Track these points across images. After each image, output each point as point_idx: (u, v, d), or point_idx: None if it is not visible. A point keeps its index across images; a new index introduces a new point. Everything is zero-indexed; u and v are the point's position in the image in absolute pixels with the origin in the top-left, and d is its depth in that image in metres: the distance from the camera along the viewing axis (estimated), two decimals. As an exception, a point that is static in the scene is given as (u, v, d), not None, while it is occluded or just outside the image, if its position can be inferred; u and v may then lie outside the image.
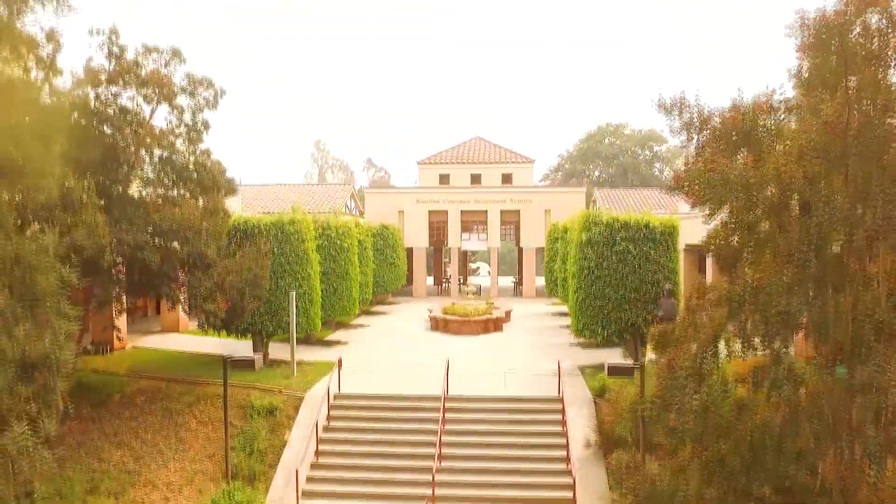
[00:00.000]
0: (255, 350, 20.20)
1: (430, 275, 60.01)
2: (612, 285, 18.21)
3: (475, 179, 45.74)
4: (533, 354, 22.18)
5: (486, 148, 48.00)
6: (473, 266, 73.75)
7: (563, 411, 16.25)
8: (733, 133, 7.20)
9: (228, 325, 17.64)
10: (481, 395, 17.28)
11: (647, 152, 74.92)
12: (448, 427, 15.99)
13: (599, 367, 19.70)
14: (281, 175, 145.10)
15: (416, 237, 40.50)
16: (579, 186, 43.43)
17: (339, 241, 23.19)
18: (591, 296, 18.53)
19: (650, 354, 18.11)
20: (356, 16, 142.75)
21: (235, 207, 39.47)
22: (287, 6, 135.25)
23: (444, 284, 45.05)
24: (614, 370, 12.31)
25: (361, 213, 47.94)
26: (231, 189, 16.74)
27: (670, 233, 18.50)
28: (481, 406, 16.88)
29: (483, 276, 76.56)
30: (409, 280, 42.73)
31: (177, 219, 13.27)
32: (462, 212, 40.55)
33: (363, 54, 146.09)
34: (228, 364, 12.77)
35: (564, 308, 31.17)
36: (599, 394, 16.90)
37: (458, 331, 26.08)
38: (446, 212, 40.50)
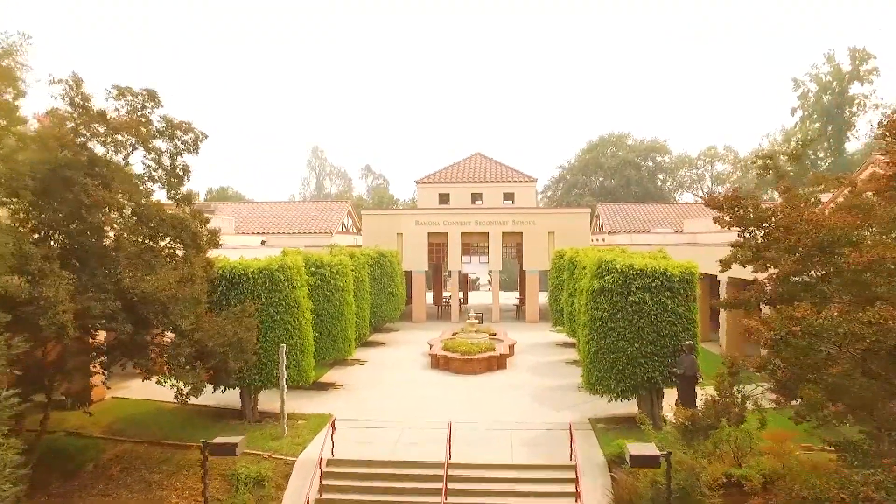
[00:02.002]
0: (242, 403, 18.87)
1: (429, 289, 58.68)
2: (627, 338, 16.87)
3: (476, 198, 44.47)
4: (540, 401, 20.86)
5: (486, 165, 46.70)
6: (473, 277, 72.49)
7: (577, 482, 14.90)
8: (806, 246, 6.02)
9: (213, 383, 16.30)
10: (487, 461, 15.91)
11: (649, 163, 73.65)
12: (451, 500, 14.64)
13: (612, 422, 18.41)
14: (278, 182, 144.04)
15: (416, 260, 39.17)
16: (584, 208, 42.13)
17: (333, 281, 21.84)
18: (605, 349, 17.19)
19: (666, 411, 16.88)
20: (356, 21, 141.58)
21: (228, 229, 38.25)
22: (287, 11, 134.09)
23: (443, 305, 43.69)
24: (638, 459, 10.95)
25: (359, 230, 46.65)
26: (214, 242, 15.38)
27: (689, 280, 17.17)
28: (487, 475, 15.51)
29: (483, 284, 75.26)
30: (409, 300, 41.41)
31: (149, 289, 11.91)
32: (462, 233, 39.24)
33: (362, 60, 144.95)
34: (207, 449, 11.38)
35: (567, 337, 29.91)
36: (615, 460, 15.54)
37: (460, 370, 24.73)
38: (446, 233, 39.18)
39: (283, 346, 17.27)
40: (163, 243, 15.15)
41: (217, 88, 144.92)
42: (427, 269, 40.23)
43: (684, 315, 16.99)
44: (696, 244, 39.20)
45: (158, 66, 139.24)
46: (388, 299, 31.56)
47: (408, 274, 39.39)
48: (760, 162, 13.24)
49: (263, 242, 34.06)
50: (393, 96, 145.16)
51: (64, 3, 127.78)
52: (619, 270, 17.09)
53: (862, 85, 62.66)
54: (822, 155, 65.90)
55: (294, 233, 42.39)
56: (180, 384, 13.91)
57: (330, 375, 24.72)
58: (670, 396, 18.02)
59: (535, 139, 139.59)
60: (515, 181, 44.39)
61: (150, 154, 15.41)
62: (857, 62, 62.22)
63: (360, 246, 38.89)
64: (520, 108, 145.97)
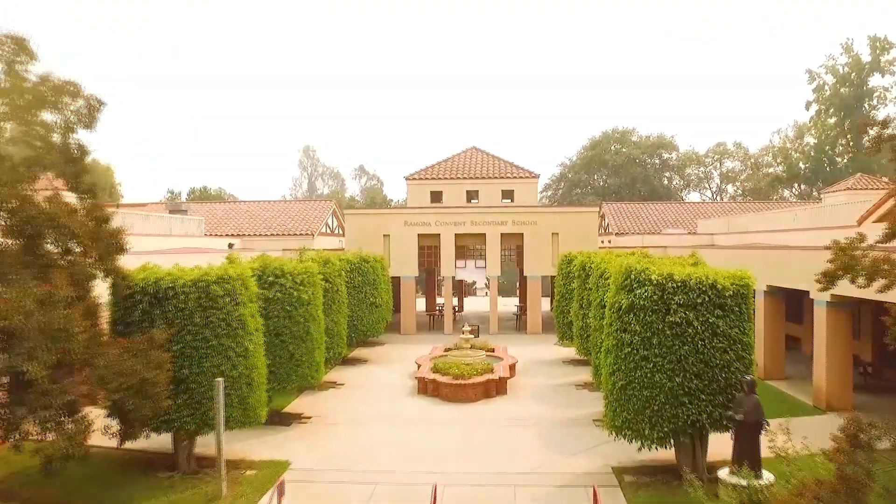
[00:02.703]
0: (175, 448, 14.94)
1: (421, 293, 54.70)
2: (666, 370, 12.98)
3: (471, 196, 40.59)
4: (549, 440, 16.97)
5: (483, 160, 42.81)
6: (469, 281, 68.55)
7: (603, 568, 11.04)
8: None
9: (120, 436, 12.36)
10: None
11: (655, 161, 69.80)
12: None
13: (643, 472, 14.53)
14: (273, 183, 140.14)
15: (404, 265, 35.26)
16: (591, 206, 38.26)
17: (296, 293, 17.91)
18: (636, 383, 13.30)
19: (723, 474, 13.02)
20: (350, 18, 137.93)
21: (197, 231, 34.30)
22: (280, 9, 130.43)
23: (436, 315, 39.71)
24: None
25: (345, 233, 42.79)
26: (118, 248, 11.50)
27: (743, 294, 13.31)
28: (484, 558, 11.65)
29: (481, 288, 71.23)
30: (397, 308, 37.52)
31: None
32: (457, 235, 35.33)
33: (356, 59, 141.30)
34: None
35: (574, 352, 26.16)
36: (654, 536, 11.68)
37: (452, 397, 20.81)
38: (438, 235, 35.25)
39: (221, 380, 13.35)
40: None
41: (209, 88, 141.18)
42: (417, 274, 36.34)
43: (739, 339, 13.13)
44: (714, 246, 35.47)
45: (154, 67, 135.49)
46: (370, 311, 27.60)
47: (396, 280, 35.48)
48: (874, 131, 9.44)
49: (231, 245, 30.11)
50: (388, 96, 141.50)
51: (64, 3, 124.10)
52: (654, 282, 13.19)
53: (883, 76, 58.93)
54: (838, 150, 62.12)
55: (272, 235, 38.49)
56: (59, 443, 9.93)
57: (297, 404, 20.80)
58: (715, 440, 14.14)
59: (535, 136, 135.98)
60: (515, 177, 40.52)
61: (31, 128, 11.54)
62: (877, 52, 58.45)
63: (343, 249, 35.01)
64: (518, 104, 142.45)
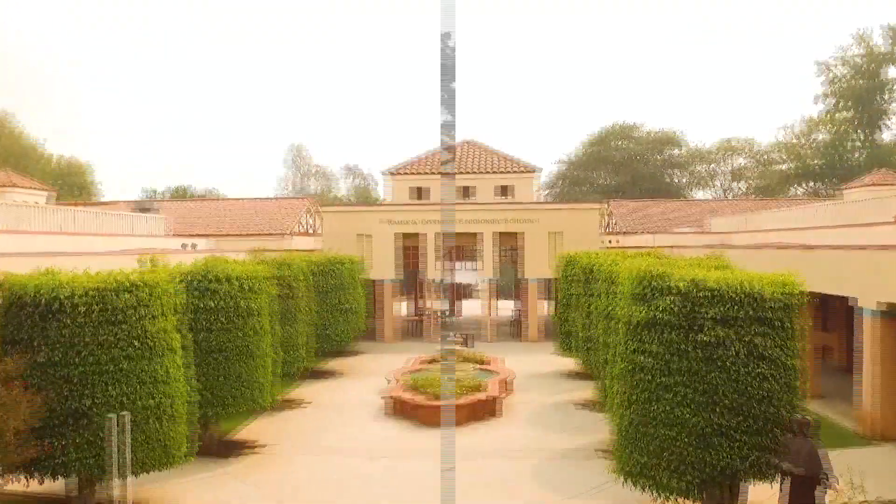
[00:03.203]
0: (79, 491, 12.02)
1: (406, 295, 51.51)
2: (692, 403, 10.04)
3: (464, 193, 37.55)
4: (546, 478, 14.01)
5: (477, 153, 39.84)
6: (466, 282, 65.46)
7: None
8: None
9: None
10: None
11: (660, 157, 66.79)
12: None
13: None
14: (262, 184, 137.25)
15: (384, 268, 32.23)
16: (595, 203, 35.27)
17: (237, 302, 14.94)
18: (653, 418, 10.36)
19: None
20: (341, 15, 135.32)
21: (156, 231, 31.37)
22: (267, 6, 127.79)
23: (420, 320, 36.61)
24: None
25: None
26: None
27: (789, 305, 10.35)
28: None
29: (480, 290, 67.82)
30: (380, 314, 34.46)
31: None
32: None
33: (351, 55, 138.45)
34: None
35: (575, 364, 23.37)
36: None
37: (430, 421, 17.80)
38: (425, 235, 32.25)
39: (115, 416, 10.40)
40: None
41: (204, 89, 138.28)
42: (401, 278, 33.31)
43: (785, 364, 10.18)
44: (731, 245, 32.44)
45: (148, 68, 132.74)
46: (341, 318, 24.57)
47: (376, 284, 32.48)
48: None
49: (184, 246, 27.02)
50: (384, 94, 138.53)
51: (65, 3, 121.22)
52: (677, 291, 10.24)
53: (899, 68, 56.04)
54: (851, 145, 59.15)
55: (244, 234, 35.55)
56: None
57: (250, 429, 17.86)
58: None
59: (532, 134, 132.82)
60: (512, 171, 37.51)
61: None
62: (892, 42, 55.57)
63: (321, 249, 32.08)
64: (515, 102, 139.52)
